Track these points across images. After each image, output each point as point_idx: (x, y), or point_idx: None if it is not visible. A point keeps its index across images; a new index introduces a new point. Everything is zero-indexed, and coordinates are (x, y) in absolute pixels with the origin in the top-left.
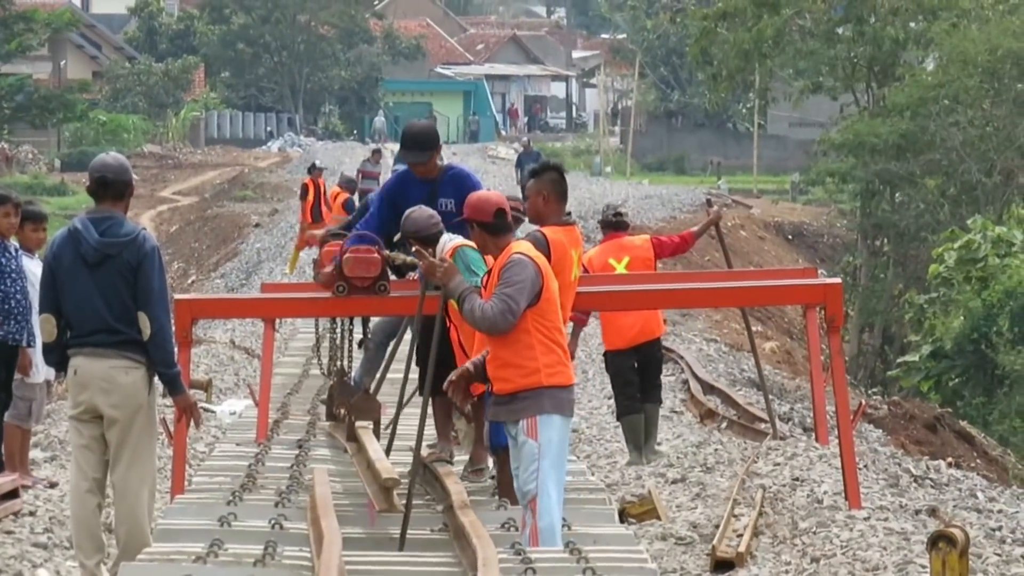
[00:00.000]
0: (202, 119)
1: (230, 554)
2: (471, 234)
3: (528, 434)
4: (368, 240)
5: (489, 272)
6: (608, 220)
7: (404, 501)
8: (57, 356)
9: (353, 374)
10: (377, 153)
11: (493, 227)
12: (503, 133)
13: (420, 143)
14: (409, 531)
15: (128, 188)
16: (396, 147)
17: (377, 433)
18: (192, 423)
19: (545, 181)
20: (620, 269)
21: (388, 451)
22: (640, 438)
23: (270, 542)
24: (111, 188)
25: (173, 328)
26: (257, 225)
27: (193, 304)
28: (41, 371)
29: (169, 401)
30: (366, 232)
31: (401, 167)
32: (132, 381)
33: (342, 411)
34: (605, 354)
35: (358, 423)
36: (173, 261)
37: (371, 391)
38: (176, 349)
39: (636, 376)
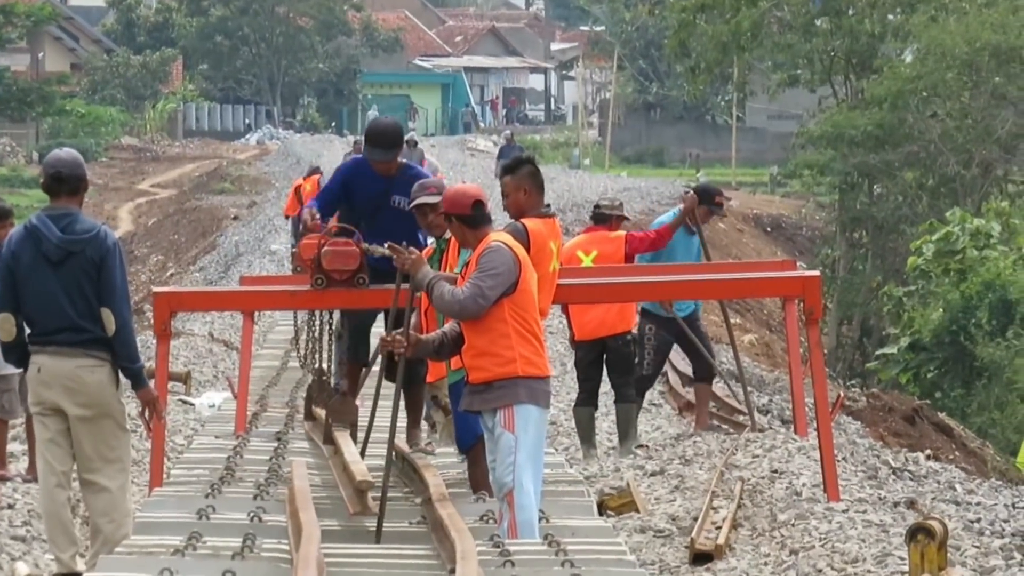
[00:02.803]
0: (180, 111)
1: (208, 547)
2: (450, 229)
3: (505, 426)
4: (346, 233)
5: (468, 264)
6: (592, 213)
7: (379, 497)
8: (17, 354)
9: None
10: (358, 144)
11: (472, 219)
12: (482, 125)
13: (390, 142)
14: (388, 524)
15: (82, 183)
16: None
17: (354, 436)
18: (154, 417)
19: (524, 175)
20: (587, 263)
21: (364, 447)
22: (589, 433)
23: (248, 535)
24: (66, 184)
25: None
26: (236, 218)
27: (172, 297)
28: None
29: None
30: (345, 226)
31: (352, 159)
32: (98, 380)
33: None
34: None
35: (335, 425)
36: (152, 254)
37: (349, 393)
38: (137, 342)
39: (596, 371)
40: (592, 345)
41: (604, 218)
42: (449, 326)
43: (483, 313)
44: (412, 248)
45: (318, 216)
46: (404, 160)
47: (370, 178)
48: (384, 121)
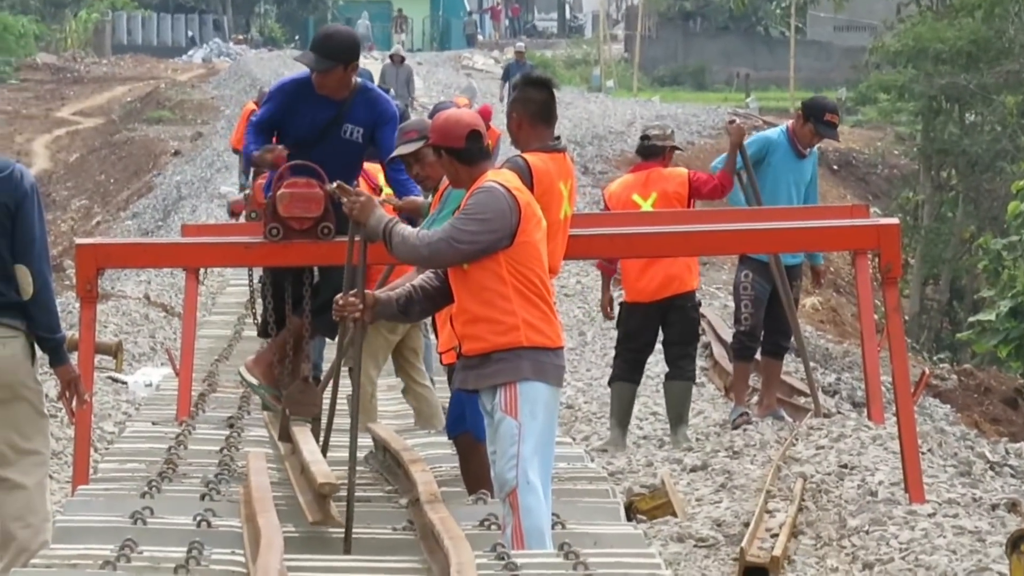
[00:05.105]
0: (108, 22)
1: (145, 558)
2: (440, 165)
3: (506, 409)
4: (308, 171)
5: (459, 208)
6: (639, 146)
7: (344, 509)
8: None
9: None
10: (263, 92)
11: (466, 154)
12: (480, 39)
13: (327, 48)
14: (367, 531)
15: None
16: (381, 55)
17: (316, 432)
18: (76, 398)
19: (515, 102)
20: (646, 207)
21: (327, 439)
22: (626, 415)
23: (195, 543)
24: None
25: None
26: (177, 153)
27: (99, 250)
28: None
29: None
30: (306, 162)
31: (301, 72)
32: (11, 353)
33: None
34: (620, 305)
35: (293, 418)
36: (73, 197)
37: (311, 378)
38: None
39: (649, 339)
40: (651, 308)
41: (655, 151)
42: (423, 278)
43: (460, 259)
44: (360, 188)
45: (281, 151)
46: (361, 80)
47: (318, 101)
48: (337, 26)
